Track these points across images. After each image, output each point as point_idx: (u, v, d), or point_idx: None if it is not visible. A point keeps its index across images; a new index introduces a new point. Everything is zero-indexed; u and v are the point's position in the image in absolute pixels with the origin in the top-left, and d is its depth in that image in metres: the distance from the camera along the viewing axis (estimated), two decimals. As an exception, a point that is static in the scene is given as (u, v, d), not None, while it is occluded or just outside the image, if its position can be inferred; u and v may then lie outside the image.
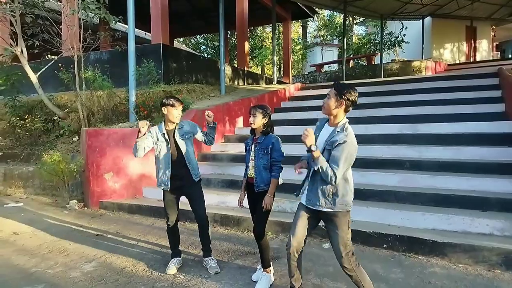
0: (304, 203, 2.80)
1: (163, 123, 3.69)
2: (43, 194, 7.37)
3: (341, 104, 2.59)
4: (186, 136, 3.72)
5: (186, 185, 3.70)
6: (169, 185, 3.63)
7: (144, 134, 3.46)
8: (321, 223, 2.88)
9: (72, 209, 6.35)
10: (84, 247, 4.46)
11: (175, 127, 3.68)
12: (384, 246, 4.09)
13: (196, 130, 3.84)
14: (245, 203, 3.57)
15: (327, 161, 2.55)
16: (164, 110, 3.61)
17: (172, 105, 3.57)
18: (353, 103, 2.62)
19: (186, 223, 5.31)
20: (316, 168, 2.56)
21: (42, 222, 5.56)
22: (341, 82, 2.80)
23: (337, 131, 2.60)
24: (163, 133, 3.64)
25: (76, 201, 6.52)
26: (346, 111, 2.64)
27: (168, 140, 3.63)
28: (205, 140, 3.83)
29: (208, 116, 3.64)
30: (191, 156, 3.73)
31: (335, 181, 2.52)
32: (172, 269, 3.67)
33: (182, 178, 3.67)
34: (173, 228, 3.77)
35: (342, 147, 2.51)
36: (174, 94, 8.39)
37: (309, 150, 2.53)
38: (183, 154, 3.67)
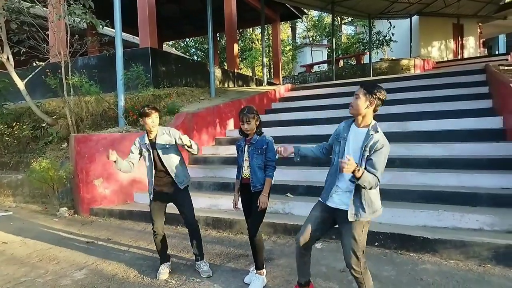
0: (325, 202, 2.73)
1: (146, 133, 3.65)
2: (33, 202, 7.28)
3: (372, 103, 2.56)
4: (167, 146, 3.63)
5: (171, 193, 3.67)
6: (152, 195, 3.63)
7: (116, 161, 3.46)
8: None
9: (62, 216, 6.28)
10: (74, 254, 4.40)
11: (155, 136, 3.61)
12: (376, 244, 4.10)
13: (177, 138, 3.64)
14: (239, 205, 3.56)
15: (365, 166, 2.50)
16: (141, 121, 3.60)
17: (145, 115, 3.50)
18: (383, 102, 2.60)
19: (178, 227, 5.28)
20: (362, 184, 2.44)
21: (32, 231, 5.49)
22: (367, 81, 2.77)
23: (371, 134, 2.54)
24: (145, 143, 3.61)
25: (66, 208, 6.45)
26: (375, 111, 2.61)
27: (150, 150, 3.60)
28: (187, 149, 3.71)
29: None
30: (174, 165, 3.64)
31: (378, 182, 2.49)
32: (163, 274, 3.63)
33: (166, 187, 3.65)
34: (160, 237, 3.71)
35: (381, 152, 2.50)
36: (164, 97, 8.36)
37: (354, 175, 2.39)
38: (164, 164, 3.61)
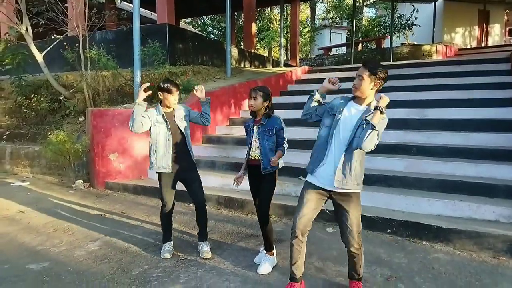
0: (317, 184, 2.72)
1: (159, 105, 3.59)
2: (49, 174, 7.42)
3: (376, 84, 2.55)
4: (185, 119, 3.67)
5: (185, 168, 3.64)
6: (170, 167, 3.55)
7: (140, 104, 3.41)
8: (324, 207, 2.85)
9: (78, 189, 6.40)
10: (89, 226, 4.49)
11: (173, 110, 3.61)
12: (388, 231, 4.07)
13: (190, 113, 3.75)
14: (245, 185, 3.55)
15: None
16: (161, 95, 3.52)
17: (169, 91, 3.47)
18: (385, 82, 2.59)
19: (191, 204, 5.31)
20: (370, 128, 2.46)
21: (48, 201, 5.61)
22: (370, 60, 2.78)
23: (372, 110, 2.57)
24: (162, 115, 3.54)
25: (82, 181, 6.56)
26: (377, 90, 2.61)
27: (168, 122, 3.53)
28: (201, 120, 3.75)
29: (196, 91, 3.55)
30: (190, 139, 3.69)
31: (374, 147, 2.49)
32: (169, 253, 3.62)
33: (182, 160, 3.61)
34: (169, 214, 3.72)
35: (383, 122, 2.52)
36: (179, 75, 8.32)
37: (379, 108, 2.47)
38: (185, 136, 3.62)
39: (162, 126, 3.54)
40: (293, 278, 2.83)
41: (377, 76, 2.51)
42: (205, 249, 3.64)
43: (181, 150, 3.61)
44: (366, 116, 2.51)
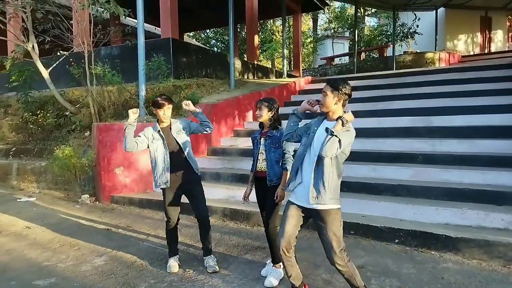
0: (296, 202, 2.79)
1: (157, 122, 3.63)
2: (56, 189, 7.45)
3: (340, 99, 2.65)
4: (184, 132, 3.67)
5: (188, 181, 3.63)
6: (169, 182, 3.55)
7: (134, 122, 3.47)
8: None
9: (84, 203, 6.41)
10: (95, 241, 4.49)
11: (170, 124, 3.63)
12: (396, 241, 4.03)
13: (190, 125, 3.75)
14: (252, 197, 3.54)
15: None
16: (154, 110, 3.56)
17: (159, 106, 3.49)
18: (349, 97, 2.69)
19: (196, 217, 5.30)
20: (330, 134, 2.49)
21: (54, 217, 5.62)
22: (332, 77, 2.84)
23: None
24: (158, 131, 3.57)
25: (88, 196, 6.58)
26: (343, 105, 2.70)
27: (164, 137, 3.55)
28: (202, 129, 3.71)
29: (186, 105, 3.57)
30: (191, 151, 3.68)
31: (335, 153, 2.49)
32: (174, 267, 3.60)
33: (183, 173, 3.60)
34: (174, 228, 3.70)
35: (347, 134, 2.56)
36: (184, 88, 8.38)
37: (342, 119, 2.54)
38: (182, 148, 3.61)
39: (159, 143, 3.56)
40: (294, 287, 2.92)
41: (339, 91, 2.62)
42: (211, 263, 3.60)
43: (181, 163, 3.60)
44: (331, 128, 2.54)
